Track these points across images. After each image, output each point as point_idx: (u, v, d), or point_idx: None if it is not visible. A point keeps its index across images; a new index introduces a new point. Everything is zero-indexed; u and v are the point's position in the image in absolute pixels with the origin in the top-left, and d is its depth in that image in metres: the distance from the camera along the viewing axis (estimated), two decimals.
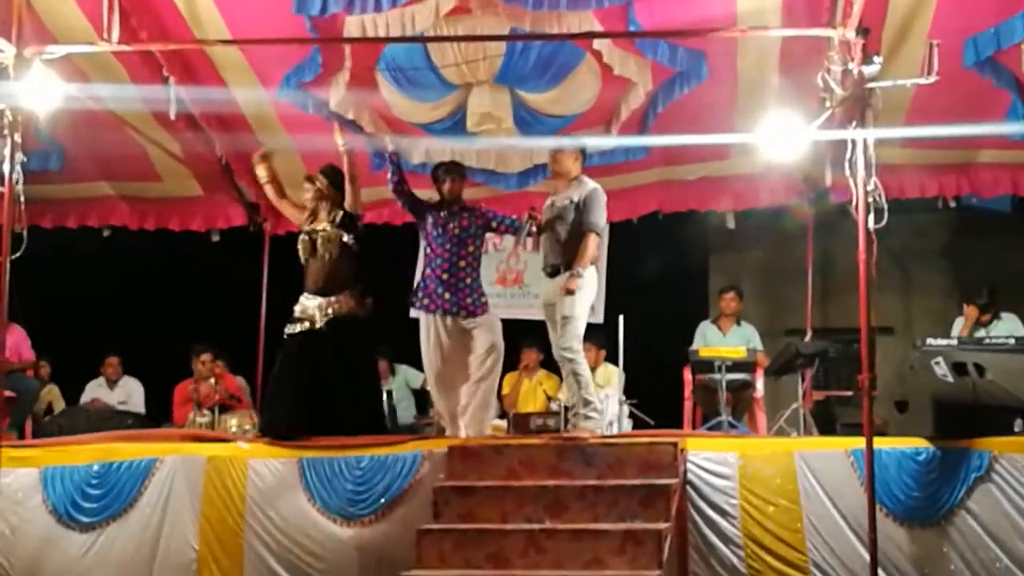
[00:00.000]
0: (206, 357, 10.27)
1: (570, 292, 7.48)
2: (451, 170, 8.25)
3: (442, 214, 8.10)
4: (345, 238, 7.98)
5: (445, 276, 7.94)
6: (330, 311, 7.86)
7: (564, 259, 7.64)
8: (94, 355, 10.98)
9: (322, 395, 7.72)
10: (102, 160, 9.92)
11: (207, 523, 7.39)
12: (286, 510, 7.34)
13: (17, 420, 9.49)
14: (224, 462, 7.49)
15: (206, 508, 7.41)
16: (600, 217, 7.71)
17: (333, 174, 8.17)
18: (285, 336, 7.98)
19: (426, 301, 7.97)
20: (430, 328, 7.98)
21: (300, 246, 8.03)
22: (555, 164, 7.89)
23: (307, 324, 7.86)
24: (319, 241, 7.96)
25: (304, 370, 7.78)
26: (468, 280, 7.99)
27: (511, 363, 9.97)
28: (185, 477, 7.49)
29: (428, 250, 8.13)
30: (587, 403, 7.46)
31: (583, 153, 8.05)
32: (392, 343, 10.48)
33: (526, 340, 10.00)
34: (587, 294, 7.61)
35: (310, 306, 7.90)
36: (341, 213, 8.07)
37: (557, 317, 7.53)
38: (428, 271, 8.06)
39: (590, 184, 7.83)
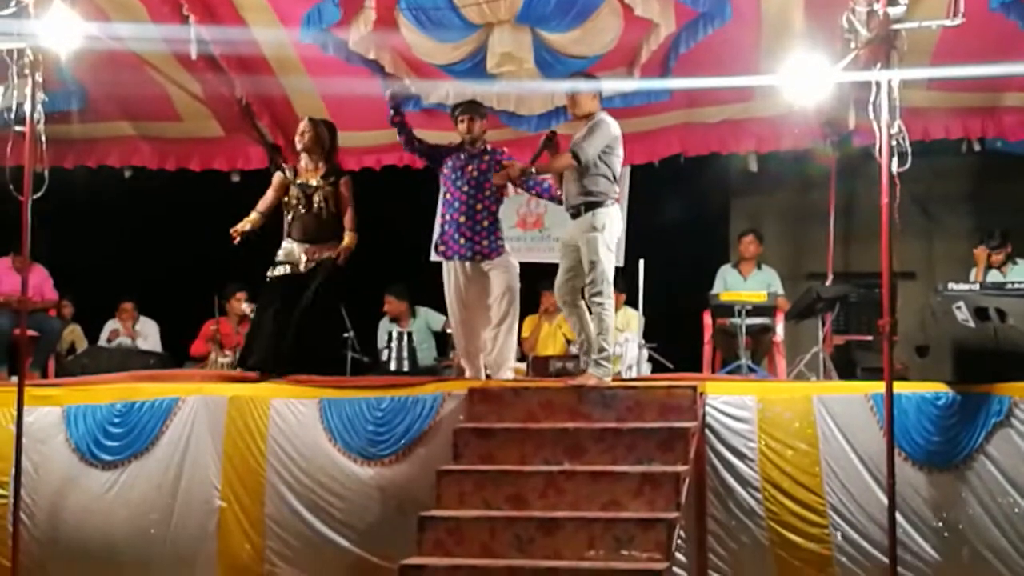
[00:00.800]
0: (242, 295, 10.32)
1: (500, 180, 7.60)
2: (468, 109, 8.18)
3: (461, 156, 8.07)
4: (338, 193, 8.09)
5: (462, 219, 7.93)
6: (316, 257, 8.01)
7: (585, 200, 7.38)
8: (116, 295, 11.03)
9: (295, 331, 7.88)
10: (123, 100, 9.91)
11: (228, 462, 7.45)
12: (307, 450, 7.39)
13: (40, 359, 9.57)
14: (246, 402, 7.51)
15: (228, 447, 7.46)
16: (591, 145, 7.31)
17: (332, 129, 8.33)
18: (267, 279, 8.10)
19: (443, 248, 8.01)
20: (450, 274, 8.01)
21: (291, 199, 8.11)
22: (574, 107, 7.62)
23: (289, 268, 8.02)
24: (315, 197, 8.05)
25: (282, 309, 7.93)
26: (485, 223, 7.97)
27: (532, 306, 9.99)
28: (207, 417, 7.53)
29: (447, 195, 8.10)
30: (602, 350, 7.27)
31: (600, 92, 7.81)
32: (412, 285, 10.49)
33: (546, 283, 9.92)
34: (611, 234, 7.40)
35: (295, 251, 8.05)
36: (328, 167, 8.15)
37: (584, 260, 7.34)
38: (447, 216, 8.05)
39: (600, 116, 7.52)
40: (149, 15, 8.44)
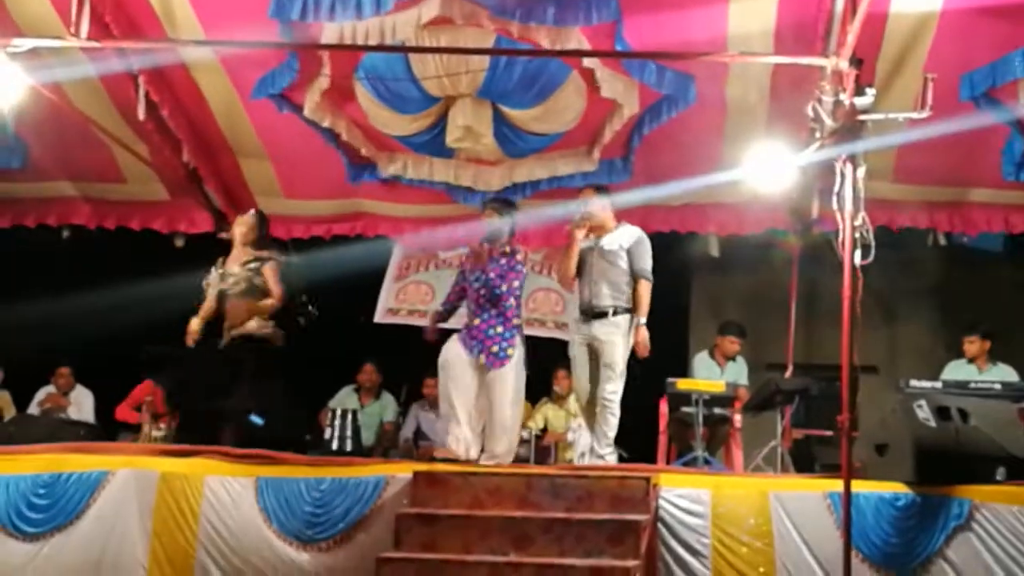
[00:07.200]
0: None
1: (644, 349, 7.78)
2: (493, 205, 8.12)
3: (479, 257, 7.94)
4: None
5: (476, 322, 7.79)
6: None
7: (614, 304, 7.81)
8: (49, 360, 10.69)
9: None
10: (65, 159, 9.72)
11: (157, 540, 7.14)
12: (241, 531, 7.09)
13: None
14: (179, 478, 7.23)
15: (157, 525, 7.15)
16: (649, 263, 7.89)
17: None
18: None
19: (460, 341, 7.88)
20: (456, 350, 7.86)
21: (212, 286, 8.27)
22: (591, 220, 7.92)
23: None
24: (230, 280, 8.22)
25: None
26: (499, 328, 7.77)
27: None
28: (136, 492, 7.23)
29: (468, 299, 7.95)
30: (604, 438, 7.74)
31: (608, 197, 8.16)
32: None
33: None
34: (629, 339, 7.79)
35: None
36: (253, 257, 8.27)
37: (602, 361, 7.75)
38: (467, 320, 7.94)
39: (637, 231, 8.02)
40: (97, 73, 8.24)
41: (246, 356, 8.08)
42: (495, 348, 7.72)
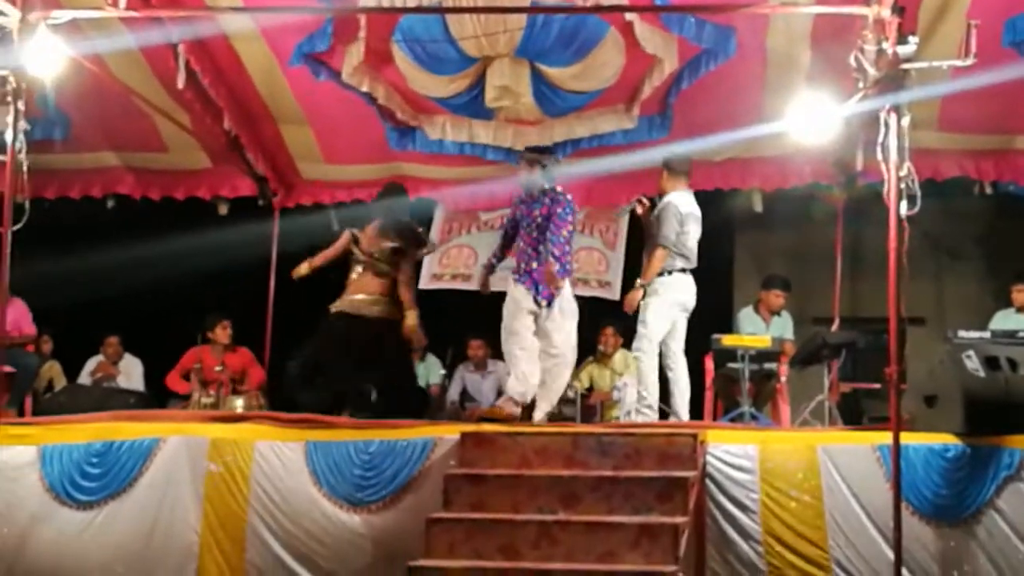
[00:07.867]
0: (227, 322, 10.08)
1: (630, 307, 7.97)
2: (525, 156, 8.16)
3: (524, 202, 8.01)
4: None
5: (535, 265, 7.82)
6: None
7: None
8: (97, 330, 10.77)
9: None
10: (107, 129, 9.80)
11: (209, 506, 7.21)
12: (291, 495, 7.15)
13: (16, 397, 9.29)
14: (229, 444, 7.29)
15: (208, 490, 7.23)
16: (670, 230, 7.89)
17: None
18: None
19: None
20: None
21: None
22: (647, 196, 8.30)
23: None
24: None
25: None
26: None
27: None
28: (188, 458, 7.30)
29: (520, 242, 8.02)
30: (641, 398, 7.96)
31: (669, 168, 8.17)
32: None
33: None
34: (667, 298, 7.94)
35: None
36: None
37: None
38: (521, 264, 7.95)
39: (667, 199, 8.03)
40: (137, 43, 8.24)
41: None
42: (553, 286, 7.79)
